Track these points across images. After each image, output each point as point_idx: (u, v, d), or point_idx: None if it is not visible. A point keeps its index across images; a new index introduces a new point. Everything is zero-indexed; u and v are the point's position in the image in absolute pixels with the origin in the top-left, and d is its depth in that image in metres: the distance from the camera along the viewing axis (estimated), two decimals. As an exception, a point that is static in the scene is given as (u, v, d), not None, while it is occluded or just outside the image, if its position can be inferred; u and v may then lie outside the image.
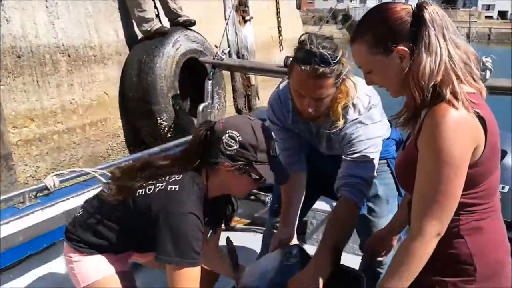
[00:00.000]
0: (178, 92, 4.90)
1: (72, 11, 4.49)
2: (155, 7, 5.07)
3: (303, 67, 1.55)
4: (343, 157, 1.77)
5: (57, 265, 2.17)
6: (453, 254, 1.28)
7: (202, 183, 1.56)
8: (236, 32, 5.60)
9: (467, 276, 1.27)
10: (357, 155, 1.72)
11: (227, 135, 1.51)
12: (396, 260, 1.26)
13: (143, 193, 1.54)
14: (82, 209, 1.69)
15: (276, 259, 1.74)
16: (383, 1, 1.48)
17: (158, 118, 4.78)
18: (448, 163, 1.15)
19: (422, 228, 1.19)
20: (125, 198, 1.55)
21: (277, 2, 6.44)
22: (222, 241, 1.86)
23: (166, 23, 5.14)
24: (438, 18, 1.19)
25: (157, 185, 1.53)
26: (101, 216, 1.60)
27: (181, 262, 1.44)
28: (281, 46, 5.74)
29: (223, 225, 1.81)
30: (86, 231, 1.62)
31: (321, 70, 1.54)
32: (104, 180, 2.27)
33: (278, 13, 6.42)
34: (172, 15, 5.13)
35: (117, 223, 1.59)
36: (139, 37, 5.07)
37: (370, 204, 1.94)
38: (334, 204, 1.86)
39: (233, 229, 2.82)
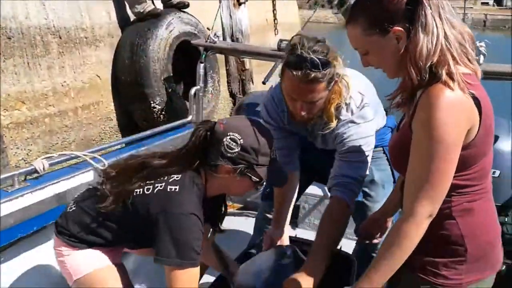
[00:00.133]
0: (172, 75, 4.84)
1: (63, -8, 4.41)
2: (148, -12, 4.99)
3: (294, 72, 1.55)
4: (335, 156, 1.78)
5: (48, 248, 2.16)
6: (445, 235, 1.28)
7: (201, 183, 1.54)
8: (230, 15, 5.53)
9: (458, 256, 1.28)
10: (349, 154, 1.74)
11: (228, 137, 1.49)
12: (388, 241, 1.26)
13: (141, 192, 1.51)
14: (74, 205, 1.65)
15: (271, 259, 1.77)
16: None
17: (151, 102, 4.73)
18: (442, 143, 1.14)
19: (414, 209, 1.19)
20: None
21: (272, -15, 6.35)
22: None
23: (159, 5, 5.05)
24: None
25: (156, 185, 1.50)
26: (97, 215, 1.57)
27: (181, 263, 1.44)
28: (276, 30, 5.68)
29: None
30: (80, 229, 1.59)
31: (312, 75, 1.54)
32: (94, 164, 2.25)
33: (273, -4, 6.33)
34: (166, -3, 5.05)
35: (115, 222, 1.57)
36: (131, 19, 4.97)
37: (366, 189, 1.96)
38: (326, 189, 1.87)
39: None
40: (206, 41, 2.98)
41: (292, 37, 1.62)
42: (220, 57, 5.59)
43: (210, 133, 1.53)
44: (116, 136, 4.92)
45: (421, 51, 1.17)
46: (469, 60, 1.21)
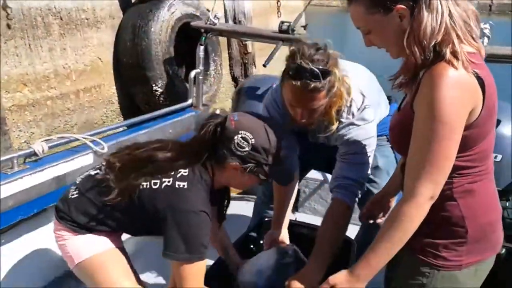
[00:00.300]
0: (174, 58, 4.80)
1: (64, -28, 4.36)
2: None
3: (294, 82, 1.54)
4: (337, 157, 1.80)
5: (48, 231, 2.17)
6: (445, 216, 1.27)
7: (209, 178, 1.54)
8: (233, -3, 5.47)
9: (459, 238, 1.28)
10: (351, 156, 1.75)
11: (239, 135, 1.48)
12: (387, 223, 1.25)
13: (148, 186, 1.50)
14: (76, 192, 1.62)
15: (272, 258, 1.80)
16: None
17: (153, 85, 4.70)
18: (445, 123, 1.12)
19: (415, 190, 1.17)
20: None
21: (276, -33, 6.27)
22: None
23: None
24: None
25: (163, 180, 1.49)
26: (103, 206, 1.55)
27: (190, 258, 1.46)
28: (279, 13, 5.62)
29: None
30: (84, 217, 1.58)
31: (312, 85, 1.53)
32: (94, 147, 2.24)
33: (276, -22, 6.26)
34: (167, -22, 4.98)
35: (121, 213, 1.56)
36: (133, 0, 4.93)
37: (371, 176, 1.96)
38: (327, 174, 1.88)
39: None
40: (206, 23, 2.93)
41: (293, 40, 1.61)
42: (223, 41, 5.53)
43: (221, 129, 1.51)
44: (118, 120, 4.91)
45: (425, 30, 1.14)
46: (473, 38, 1.18)
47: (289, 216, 2.05)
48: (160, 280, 2.36)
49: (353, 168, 1.75)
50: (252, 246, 2.17)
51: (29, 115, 4.16)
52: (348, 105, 1.72)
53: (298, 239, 2.06)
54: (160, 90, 4.73)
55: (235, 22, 5.41)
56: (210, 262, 2.00)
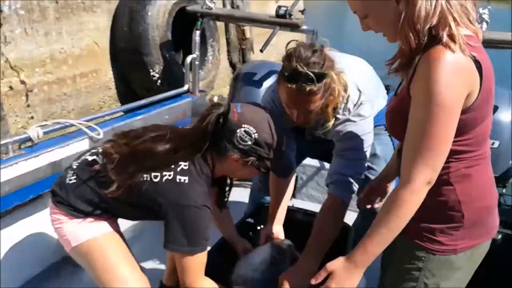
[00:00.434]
0: (171, 43, 4.75)
1: (59, -46, 4.28)
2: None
3: (289, 85, 1.54)
4: (333, 153, 1.81)
5: (44, 216, 2.17)
6: (442, 201, 1.27)
7: (209, 171, 1.53)
8: (231, -19, 5.40)
9: (455, 222, 1.28)
10: (347, 152, 1.76)
11: (242, 129, 1.47)
12: (384, 209, 1.24)
13: (148, 179, 1.49)
14: (74, 177, 1.60)
15: (267, 253, 1.84)
16: None
17: (150, 70, 4.65)
18: (442, 106, 1.10)
19: (412, 175, 1.16)
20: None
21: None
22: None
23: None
24: None
25: (164, 173, 1.48)
26: (103, 193, 1.54)
27: (192, 250, 1.48)
28: (277, -3, 5.55)
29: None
30: (83, 202, 1.58)
31: (308, 89, 1.53)
32: (89, 132, 2.23)
33: (275, -38, 6.17)
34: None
35: (121, 202, 1.56)
36: (129, -16, 4.86)
37: (368, 163, 1.97)
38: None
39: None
40: (202, 8, 2.90)
41: (289, 42, 1.61)
42: (220, 26, 5.47)
43: (223, 120, 1.50)
44: (116, 105, 4.88)
45: (419, 13, 1.12)
46: (470, 21, 1.17)
47: (284, 212, 2.07)
48: (157, 263, 2.38)
49: (348, 164, 1.76)
50: (250, 232, 2.18)
51: (26, 100, 4.13)
52: (345, 101, 1.72)
53: (295, 225, 2.07)
54: (157, 75, 4.68)
55: (232, 7, 5.35)
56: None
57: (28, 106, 4.14)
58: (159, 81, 4.72)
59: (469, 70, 1.12)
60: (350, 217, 1.98)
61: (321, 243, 1.69)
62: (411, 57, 1.19)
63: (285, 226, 2.08)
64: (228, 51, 5.96)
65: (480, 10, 1.85)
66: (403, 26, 1.16)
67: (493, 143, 2.18)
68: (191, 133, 1.56)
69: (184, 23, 4.84)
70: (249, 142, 1.48)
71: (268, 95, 1.93)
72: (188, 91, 3.06)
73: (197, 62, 3.00)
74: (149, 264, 2.35)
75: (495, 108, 2.00)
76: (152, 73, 4.67)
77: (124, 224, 1.75)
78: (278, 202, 2.03)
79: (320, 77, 1.53)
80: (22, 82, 4.06)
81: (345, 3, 1.30)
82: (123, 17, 4.65)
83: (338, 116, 1.74)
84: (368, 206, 1.79)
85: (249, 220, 2.24)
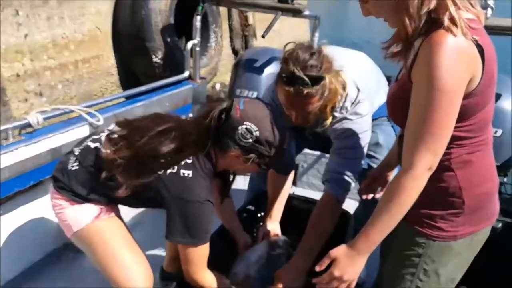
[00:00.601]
0: (174, 28, 4.71)
1: None
2: None
3: (287, 88, 1.54)
4: (330, 151, 1.82)
5: (45, 202, 2.18)
6: (442, 187, 1.26)
7: (212, 164, 1.55)
8: (234, -34, 5.32)
9: (455, 209, 1.27)
10: (344, 150, 1.77)
11: (244, 126, 1.47)
12: (385, 196, 1.23)
13: (154, 175, 1.50)
14: (77, 164, 1.60)
15: (264, 250, 1.88)
16: None
17: (153, 56, 4.63)
18: (444, 91, 1.09)
19: (413, 161, 1.15)
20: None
21: None
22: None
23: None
24: None
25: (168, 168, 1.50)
26: (108, 182, 1.53)
27: (194, 242, 1.50)
28: (281, -18, 5.46)
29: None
30: (86, 189, 1.58)
31: (305, 91, 1.53)
32: (89, 119, 2.23)
33: None
34: None
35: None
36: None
37: (371, 152, 1.98)
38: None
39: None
40: (203, -8, 2.86)
41: (287, 44, 1.60)
42: (223, 12, 5.42)
43: (225, 116, 1.50)
44: (118, 91, 4.86)
45: None
46: (471, 4, 1.15)
47: (281, 209, 2.08)
48: (158, 249, 2.39)
49: (345, 162, 1.78)
50: (249, 218, 2.18)
51: (28, 86, 4.12)
52: (343, 100, 1.72)
53: (296, 213, 2.07)
54: (160, 61, 4.66)
55: (235, -8, 5.28)
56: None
57: (30, 91, 4.13)
58: (161, 67, 4.69)
59: (471, 55, 1.10)
60: (351, 205, 1.97)
61: (315, 240, 1.71)
62: (408, 41, 1.17)
63: (286, 213, 2.08)
64: (231, 38, 5.91)
65: (486, -5, 1.82)
66: (399, 10, 1.14)
67: (495, 132, 2.16)
68: (194, 129, 1.55)
69: (187, 8, 4.80)
70: (250, 140, 1.48)
71: (268, 94, 1.94)
72: (189, 77, 3.03)
73: (198, 48, 2.97)
74: (150, 250, 2.36)
75: (498, 96, 1.97)
76: (154, 59, 4.65)
77: (126, 210, 1.75)
78: (275, 199, 2.06)
79: (317, 80, 1.54)
80: (25, 67, 4.05)
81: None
82: (125, 2, 4.61)
83: (335, 114, 1.75)
84: (370, 196, 1.78)
85: (250, 207, 2.25)
